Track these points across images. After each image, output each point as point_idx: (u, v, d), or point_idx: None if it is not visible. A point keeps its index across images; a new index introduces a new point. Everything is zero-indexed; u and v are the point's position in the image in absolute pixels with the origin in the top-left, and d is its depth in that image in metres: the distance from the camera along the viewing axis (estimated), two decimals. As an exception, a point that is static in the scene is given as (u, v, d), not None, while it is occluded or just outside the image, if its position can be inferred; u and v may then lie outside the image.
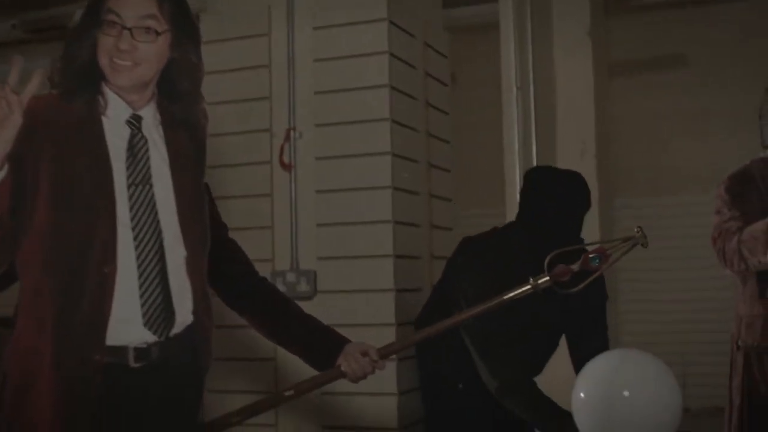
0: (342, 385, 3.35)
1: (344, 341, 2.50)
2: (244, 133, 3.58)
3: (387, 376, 3.27)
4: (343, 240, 3.41)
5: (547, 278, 2.52)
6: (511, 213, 5.68)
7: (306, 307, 3.42)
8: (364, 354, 2.45)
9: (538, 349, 3.02)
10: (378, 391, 3.29)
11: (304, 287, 3.42)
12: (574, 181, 2.95)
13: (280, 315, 2.54)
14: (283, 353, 3.10)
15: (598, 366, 2.48)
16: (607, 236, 6.23)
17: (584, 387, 2.44)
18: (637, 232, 2.64)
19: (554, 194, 2.90)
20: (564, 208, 2.88)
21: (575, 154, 6.07)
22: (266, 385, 3.49)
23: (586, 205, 2.97)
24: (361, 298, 3.36)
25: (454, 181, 4.02)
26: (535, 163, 6.09)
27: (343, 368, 2.46)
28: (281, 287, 3.45)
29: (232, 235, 3.64)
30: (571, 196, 2.91)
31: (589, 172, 5.86)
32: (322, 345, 2.49)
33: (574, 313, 2.95)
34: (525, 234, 2.93)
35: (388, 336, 3.29)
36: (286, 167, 3.51)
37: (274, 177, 3.55)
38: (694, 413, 5.95)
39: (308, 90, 3.49)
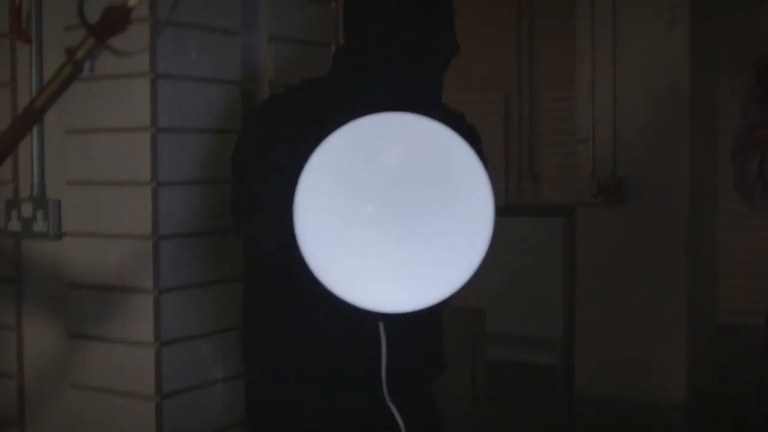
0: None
1: None
2: None
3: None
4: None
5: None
6: (582, 95, 4.42)
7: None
8: None
9: None
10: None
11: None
12: None
13: None
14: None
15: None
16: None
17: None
18: None
19: (380, 5, 1.72)
20: (399, 24, 1.70)
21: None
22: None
23: (442, 21, 1.74)
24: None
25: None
26: (612, 36, 4.67)
27: None
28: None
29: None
30: (410, 7, 1.71)
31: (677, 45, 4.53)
32: None
33: None
34: (341, 74, 1.81)
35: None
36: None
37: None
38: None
39: None
